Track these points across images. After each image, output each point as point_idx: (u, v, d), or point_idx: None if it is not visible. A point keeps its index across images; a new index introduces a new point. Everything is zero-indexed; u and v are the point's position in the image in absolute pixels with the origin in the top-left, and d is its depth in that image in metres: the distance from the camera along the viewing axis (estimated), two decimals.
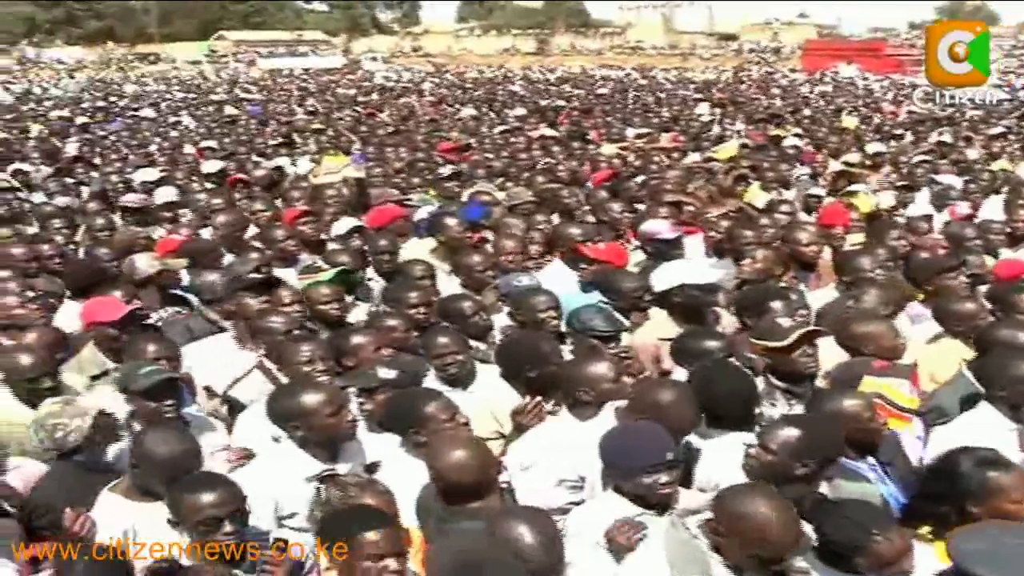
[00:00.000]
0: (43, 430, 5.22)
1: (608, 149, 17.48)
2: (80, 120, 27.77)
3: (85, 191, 13.93)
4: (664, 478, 4.59)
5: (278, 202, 11.39)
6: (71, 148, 20.02)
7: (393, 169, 15.37)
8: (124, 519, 4.61)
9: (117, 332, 6.72)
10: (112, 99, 39.36)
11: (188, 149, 19.70)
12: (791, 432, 4.75)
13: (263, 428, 5.53)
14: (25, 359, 6.07)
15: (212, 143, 19.72)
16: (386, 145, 19.19)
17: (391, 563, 3.98)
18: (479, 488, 4.61)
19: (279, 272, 8.22)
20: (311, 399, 5.18)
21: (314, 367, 5.98)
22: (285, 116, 28.35)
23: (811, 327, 6.16)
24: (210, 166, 15.07)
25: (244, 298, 7.27)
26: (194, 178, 14.60)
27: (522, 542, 4.07)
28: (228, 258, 8.89)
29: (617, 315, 6.95)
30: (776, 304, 6.84)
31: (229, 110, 30.40)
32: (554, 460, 5.25)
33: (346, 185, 11.91)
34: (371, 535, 3.96)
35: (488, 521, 4.28)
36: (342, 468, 5.14)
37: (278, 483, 5.01)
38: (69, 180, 14.80)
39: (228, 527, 4.30)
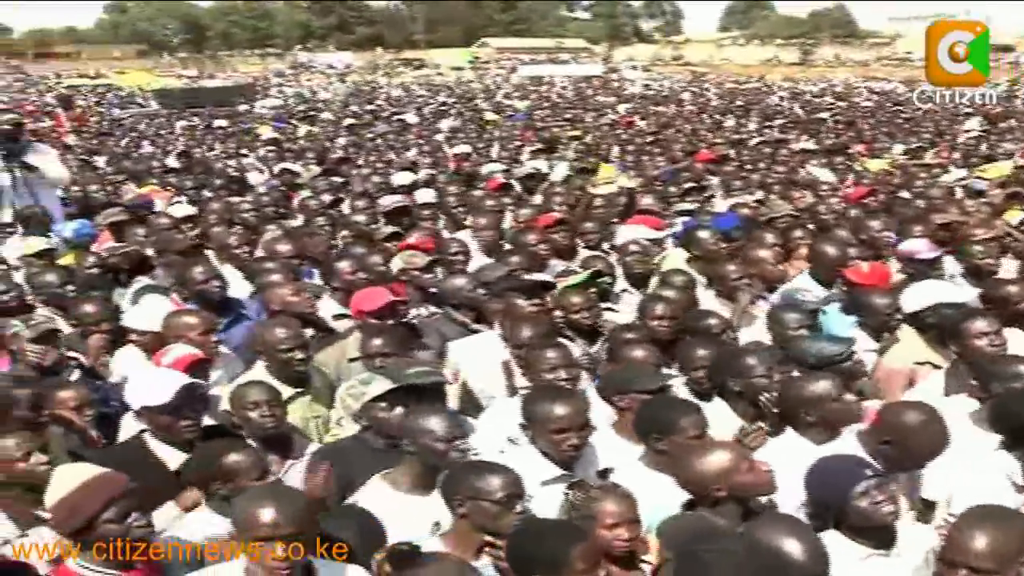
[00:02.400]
0: (341, 402, 5.52)
1: (873, 164, 16.99)
2: (347, 122, 28.79)
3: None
4: (879, 495, 4.38)
5: (529, 210, 11.45)
6: (338, 149, 20.79)
7: (650, 178, 15.34)
8: (382, 508, 4.65)
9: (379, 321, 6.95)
10: (378, 103, 40.66)
11: (450, 152, 20.16)
12: None
13: (500, 429, 5.61)
14: (280, 332, 6.39)
15: (467, 148, 20.14)
16: (645, 153, 19.16)
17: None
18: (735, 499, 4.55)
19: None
20: (544, 409, 5.20)
21: (556, 375, 5.97)
22: (544, 123, 28.67)
23: None
24: (485, 169, 15.39)
25: (513, 299, 7.34)
26: (453, 181, 14.90)
27: (787, 550, 3.92)
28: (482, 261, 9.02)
29: (841, 336, 6.67)
30: (979, 324, 6.40)
31: (489, 116, 30.96)
32: (793, 483, 5.08)
33: (619, 193, 11.96)
34: (576, 550, 3.97)
35: (748, 528, 4.16)
36: (578, 474, 5.12)
37: None
38: (336, 179, 15.35)
39: (519, 507, 4.38)
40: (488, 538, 4.32)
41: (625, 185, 12.24)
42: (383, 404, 5.41)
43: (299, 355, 6.35)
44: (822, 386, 5.49)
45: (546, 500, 4.79)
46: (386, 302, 7.11)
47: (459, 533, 4.43)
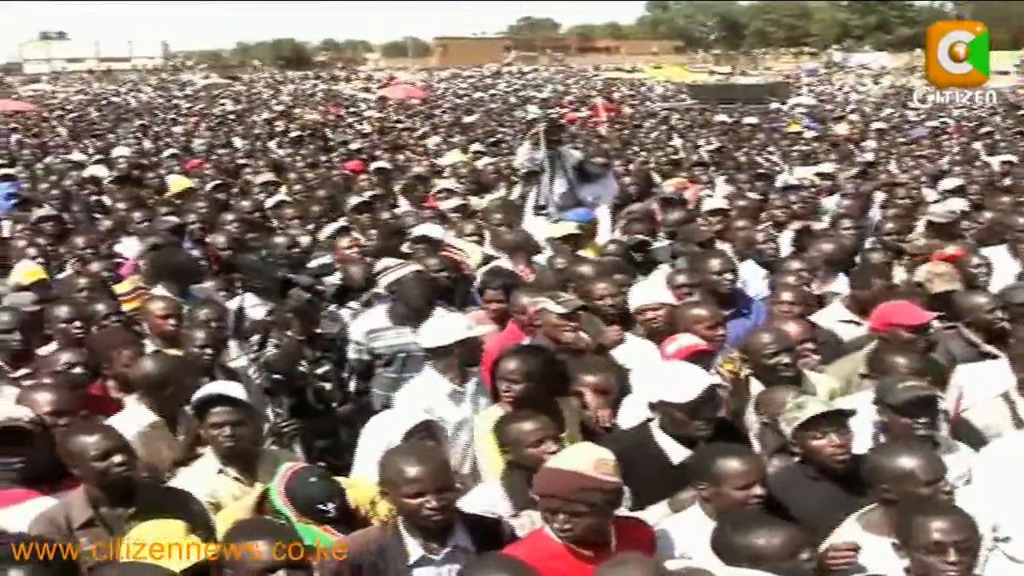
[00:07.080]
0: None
1: None
2: (876, 126, 28.15)
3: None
4: None
5: None
6: (867, 152, 20.50)
7: None
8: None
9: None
10: (911, 105, 39.57)
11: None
12: None
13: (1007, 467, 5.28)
14: (765, 337, 6.37)
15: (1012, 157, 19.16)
16: None
17: None
18: None
19: None
20: None
21: None
22: None
23: None
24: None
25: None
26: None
27: None
28: None
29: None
30: None
31: None
32: None
33: None
34: None
35: None
36: None
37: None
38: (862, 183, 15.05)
39: (954, 557, 4.11)
40: None
41: None
42: (818, 431, 5.01)
43: (785, 359, 6.24)
44: None
45: None
46: (923, 321, 6.76)
47: None
